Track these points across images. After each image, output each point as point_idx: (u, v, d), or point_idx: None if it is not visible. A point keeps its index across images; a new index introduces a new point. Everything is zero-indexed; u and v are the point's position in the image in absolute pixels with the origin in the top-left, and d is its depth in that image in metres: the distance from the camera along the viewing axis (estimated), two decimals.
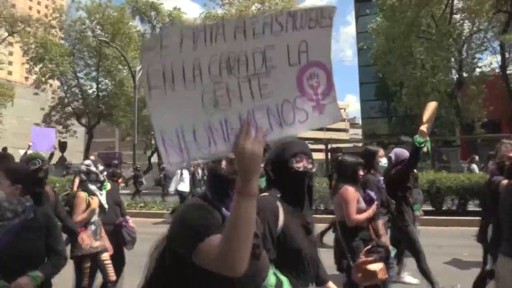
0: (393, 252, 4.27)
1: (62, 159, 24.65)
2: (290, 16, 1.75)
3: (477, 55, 24.72)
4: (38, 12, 42.50)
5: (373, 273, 3.46)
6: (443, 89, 23.97)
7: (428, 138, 4.61)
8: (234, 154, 1.38)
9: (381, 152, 4.82)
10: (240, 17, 2.04)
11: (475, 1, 21.74)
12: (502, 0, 19.81)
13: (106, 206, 4.66)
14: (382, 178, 4.79)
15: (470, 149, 25.47)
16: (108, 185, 4.89)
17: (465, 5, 23.37)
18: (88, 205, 4.43)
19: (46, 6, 32.37)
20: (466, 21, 24.30)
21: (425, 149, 4.69)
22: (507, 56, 21.70)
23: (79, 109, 30.12)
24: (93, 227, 4.45)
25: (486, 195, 4.24)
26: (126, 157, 39.90)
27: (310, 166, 2.24)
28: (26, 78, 30.75)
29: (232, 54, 1.64)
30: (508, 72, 24.88)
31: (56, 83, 31.29)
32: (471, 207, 10.99)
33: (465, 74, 23.94)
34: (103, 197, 4.65)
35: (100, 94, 30.02)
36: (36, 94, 29.73)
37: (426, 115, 4.59)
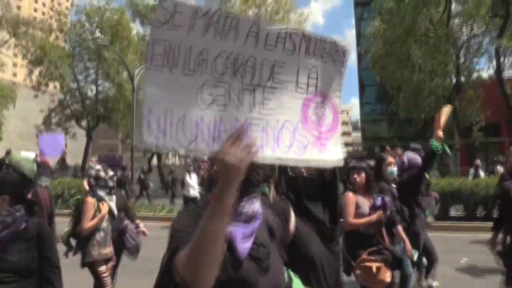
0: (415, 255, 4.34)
1: (63, 161, 24.86)
2: (305, 40, 1.68)
3: (475, 59, 24.68)
4: (43, 14, 42.70)
5: (370, 270, 3.46)
6: (441, 93, 23.95)
7: (444, 143, 4.53)
8: (216, 159, 1.27)
9: (389, 159, 4.75)
10: (256, 20, 1.55)
11: (472, 5, 21.70)
12: (498, 5, 19.74)
13: (115, 212, 4.57)
14: (394, 186, 4.70)
15: (468, 153, 25.47)
16: None
17: (463, 9, 23.32)
18: (97, 211, 4.32)
19: (51, 8, 32.54)
20: (464, 25, 24.24)
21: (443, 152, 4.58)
22: (502, 60, 21.60)
23: (78, 112, 30.33)
24: (102, 234, 4.35)
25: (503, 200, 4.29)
26: (127, 159, 40.10)
27: (303, 170, 2.24)
28: (24, 80, 30.87)
29: (241, 57, 1.56)
30: (507, 76, 24.91)
31: (55, 85, 31.51)
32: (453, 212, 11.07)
33: (462, 78, 23.87)
34: (113, 203, 4.56)
35: (99, 96, 30.14)
36: (36, 96, 29.98)
37: (441, 120, 4.50)
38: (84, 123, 30.58)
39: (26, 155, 4.65)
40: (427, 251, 5.35)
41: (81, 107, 29.83)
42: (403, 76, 24.86)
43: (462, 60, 24.34)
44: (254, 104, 1.59)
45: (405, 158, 5.23)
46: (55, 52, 27.42)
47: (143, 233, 4.98)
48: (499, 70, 20.64)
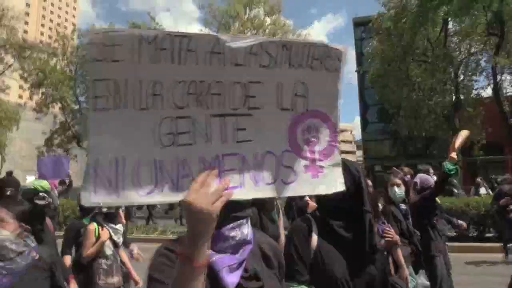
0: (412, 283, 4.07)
1: (67, 183, 24.84)
2: (285, 48, 1.39)
3: (474, 78, 24.75)
4: (50, 37, 43.74)
5: None
6: (440, 111, 23.95)
7: (457, 166, 4.42)
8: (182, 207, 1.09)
9: (393, 181, 4.64)
10: (216, 36, 1.32)
11: (468, 24, 21.87)
12: (493, 24, 19.92)
13: (115, 239, 4.35)
14: (403, 206, 4.57)
15: (471, 172, 25.21)
16: None
17: (459, 28, 23.52)
18: (98, 238, 4.19)
19: (57, 32, 33.26)
20: (461, 44, 24.41)
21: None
22: (498, 79, 21.66)
23: (79, 133, 30.60)
24: (108, 262, 4.19)
25: None
26: None
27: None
28: (25, 103, 31.38)
29: (204, 83, 1.32)
30: (509, 94, 24.88)
31: (57, 107, 31.94)
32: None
33: (462, 97, 23.88)
34: (118, 231, 4.38)
35: None
36: (38, 118, 30.37)
37: (458, 143, 4.39)
38: (85, 144, 30.78)
39: (41, 181, 4.52)
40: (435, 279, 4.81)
41: (83, 128, 30.10)
42: (402, 94, 24.92)
43: (461, 78, 24.43)
44: (225, 136, 1.35)
45: (417, 179, 5.13)
46: (55, 74, 27.83)
47: (138, 259, 4.76)
48: (496, 88, 20.67)
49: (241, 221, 1.37)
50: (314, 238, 1.96)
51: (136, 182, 1.24)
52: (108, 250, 4.24)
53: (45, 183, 4.42)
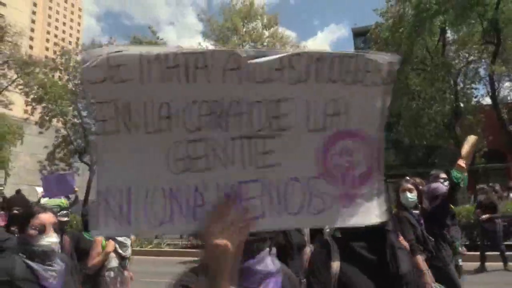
0: None
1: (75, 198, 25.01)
2: (314, 62, 1.22)
3: (473, 86, 24.72)
4: (55, 52, 44.41)
5: None
6: (440, 119, 23.88)
7: (466, 174, 4.31)
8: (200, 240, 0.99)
9: (404, 186, 4.56)
10: (232, 51, 1.14)
11: (465, 32, 21.93)
12: (489, 32, 19.95)
13: (125, 253, 4.37)
14: (415, 212, 4.49)
15: (474, 179, 25.06)
16: None
17: (457, 37, 23.57)
18: (103, 249, 4.26)
19: (62, 47, 33.72)
20: (459, 52, 24.43)
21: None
22: (496, 86, 21.65)
23: (81, 147, 30.78)
24: (112, 274, 4.23)
25: None
26: None
27: None
28: (27, 118, 31.70)
29: (222, 102, 1.18)
30: (510, 101, 24.82)
31: (59, 121, 32.28)
32: None
33: (461, 105, 23.84)
34: (124, 243, 4.42)
35: None
36: (40, 133, 30.63)
37: (465, 149, 4.26)
38: (87, 158, 30.97)
39: (62, 199, 4.58)
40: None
41: (83, 142, 30.30)
42: (402, 103, 24.90)
43: (460, 86, 24.40)
44: (247, 161, 1.20)
45: (428, 187, 5.08)
46: (56, 89, 28.14)
47: (131, 278, 4.74)
48: (494, 95, 20.63)
49: (264, 252, 1.31)
50: (336, 263, 1.86)
51: (148, 212, 1.14)
52: (113, 262, 4.28)
53: (65, 201, 4.52)
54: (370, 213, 1.30)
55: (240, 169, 1.19)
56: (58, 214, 3.93)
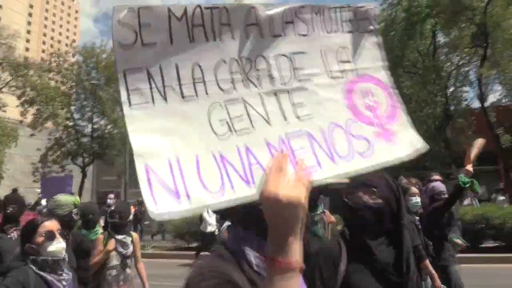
0: None
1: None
2: (317, 14, 1.33)
3: (464, 89, 24.93)
4: (51, 54, 44.54)
5: None
6: (431, 122, 24.02)
7: (474, 179, 4.25)
8: (260, 203, 0.87)
9: (412, 190, 4.55)
10: (250, 6, 1.19)
11: (455, 36, 22.12)
12: (478, 36, 20.14)
13: (126, 251, 4.35)
14: (417, 218, 4.50)
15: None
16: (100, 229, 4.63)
17: (447, 40, 23.77)
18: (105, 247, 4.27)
19: (59, 49, 33.77)
20: (450, 55, 24.63)
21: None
22: (484, 89, 21.84)
23: (73, 149, 30.77)
24: (113, 272, 4.23)
25: None
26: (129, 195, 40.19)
27: (371, 200, 1.75)
28: (21, 121, 31.72)
29: (247, 59, 1.19)
30: (504, 104, 24.97)
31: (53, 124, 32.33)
32: None
33: (452, 107, 24.00)
34: (125, 242, 4.39)
35: (95, 134, 30.60)
36: (32, 135, 30.62)
37: (473, 153, 4.18)
38: (80, 160, 30.95)
39: (75, 197, 4.53)
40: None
41: (76, 144, 30.29)
42: None
43: (452, 89, 24.57)
44: (285, 115, 1.20)
45: (427, 187, 5.11)
46: (47, 91, 28.17)
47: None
48: (482, 98, 20.80)
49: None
50: (343, 263, 1.75)
51: (206, 180, 1.05)
52: (115, 260, 4.27)
53: (77, 199, 4.48)
54: (411, 142, 1.40)
55: (281, 123, 1.19)
56: (73, 213, 3.94)
